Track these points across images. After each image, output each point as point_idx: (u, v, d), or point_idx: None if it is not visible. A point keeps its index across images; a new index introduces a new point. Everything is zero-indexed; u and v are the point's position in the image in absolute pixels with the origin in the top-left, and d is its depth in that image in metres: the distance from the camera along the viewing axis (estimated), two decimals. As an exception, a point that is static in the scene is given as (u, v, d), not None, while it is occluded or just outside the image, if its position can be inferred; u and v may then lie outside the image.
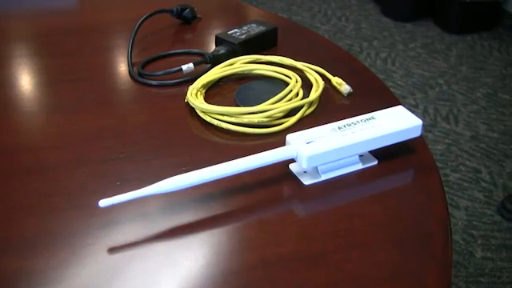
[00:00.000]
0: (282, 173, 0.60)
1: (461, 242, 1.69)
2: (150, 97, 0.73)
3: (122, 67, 0.80)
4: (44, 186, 0.57)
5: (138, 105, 0.71)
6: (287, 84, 0.74)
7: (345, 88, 0.73)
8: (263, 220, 0.54)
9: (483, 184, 1.92)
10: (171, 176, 0.54)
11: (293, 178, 0.59)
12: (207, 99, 0.72)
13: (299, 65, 0.77)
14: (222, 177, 0.55)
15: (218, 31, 0.90)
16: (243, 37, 0.81)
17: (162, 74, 0.76)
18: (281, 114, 0.67)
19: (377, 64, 2.66)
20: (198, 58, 0.82)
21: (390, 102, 0.72)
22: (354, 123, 0.60)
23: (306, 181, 0.59)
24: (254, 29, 0.84)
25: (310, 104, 0.70)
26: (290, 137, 0.59)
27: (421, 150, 0.63)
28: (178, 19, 0.94)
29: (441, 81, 2.54)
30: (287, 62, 0.77)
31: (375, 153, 0.62)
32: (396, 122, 0.61)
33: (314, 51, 0.86)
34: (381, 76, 2.56)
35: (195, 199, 0.56)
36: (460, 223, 1.75)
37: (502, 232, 1.73)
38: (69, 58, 0.83)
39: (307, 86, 0.74)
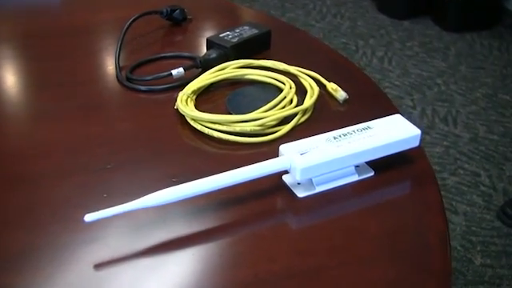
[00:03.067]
0: (275, 184, 0.60)
1: (459, 248, 1.69)
2: (138, 103, 0.73)
3: (110, 71, 0.80)
4: (28, 198, 0.57)
5: (126, 111, 0.71)
6: (281, 90, 0.73)
7: (340, 94, 0.73)
8: (256, 234, 0.53)
9: (482, 188, 1.93)
10: (160, 188, 0.54)
11: (286, 189, 0.59)
12: (198, 106, 0.72)
13: (293, 70, 0.76)
14: (212, 190, 0.55)
15: (209, 33, 0.90)
16: (235, 40, 0.81)
17: (151, 79, 0.76)
18: (274, 122, 0.67)
19: (373, 63, 2.67)
20: (189, 62, 0.82)
21: (387, 108, 0.72)
22: (350, 133, 0.60)
23: (300, 193, 0.58)
24: (247, 31, 0.83)
25: (304, 111, 0.70)
26: (283, 147, 0.58)
27: (419, 160, 0.63)
28: (167, 20, 0.94)
29: (439, 81, 2.55)
30: (280, 66, 0.77)
31: (372, 163, 0.62)
32: (393, 132, 0.61)
33: (309, 54, 0.86)
34: (377, 76, 2.56)
35: (185, 212, 0.56)
36: (458, 229, 1.75)
37: (502, 238, 1.73)
38: (54, 62, 0.83)
39: (301, 91, 0.74)
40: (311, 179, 0.59)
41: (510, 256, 1.68)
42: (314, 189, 0.59)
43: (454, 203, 1.86)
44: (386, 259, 0.51)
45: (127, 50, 0.86)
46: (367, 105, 0.73)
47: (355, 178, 0.61)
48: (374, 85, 0.78)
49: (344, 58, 0.85)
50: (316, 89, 0.73)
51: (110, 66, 0.82)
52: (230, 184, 0.55)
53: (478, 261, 1.65)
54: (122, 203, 0.55)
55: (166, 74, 0.76)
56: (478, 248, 1.69)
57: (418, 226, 0.55)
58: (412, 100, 2.40)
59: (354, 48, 2.82)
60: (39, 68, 0.82)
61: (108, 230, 0.53)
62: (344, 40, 2.89)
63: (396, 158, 0.62)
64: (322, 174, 0.59)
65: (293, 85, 0.72)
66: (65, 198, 0.57)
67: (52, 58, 0.84)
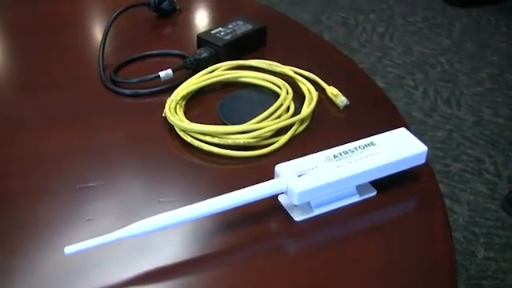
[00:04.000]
0: (270, 205, 0.58)
1: (462, 240, 1.68)
2: (123, 109, 0.70)
3: (93, 72, 0.77)
4: (4, 220, 0.55)
5: (111, 119, 0.69)
6: (276, 94, 0.71)
7: (341, 100, 0.71)
8: (249, 264, 0.52)
9: (487, 176, 1.92)
10: (146, 210, 0.53)
11: (282, 211, 0.57)
12: (188, 112, 0.69)
13: (290, 72, 0.74)
14: (201, 217, 0.53)
15: (200, 26, 0.87)
16: (228, 37, 0.79)
17: (137, 82, 0.73)
18: (269, 134, 0.65)
19: (373, 40, 2.64)
20: (178, 60, 0.79)
21: (391, 117, 0.70)
22: (352, 150, 0.58)
23: (297, 216, 0.57)
24: (241, 27, 0.81)
25: (302, 121, 0.68)
26: (279, 168, 0.56)
27: (425, 178, 0.62)
28: (155, 12, 0.91)
29: (442, 59, 2.52)
30: (277, 68, 0.75)
31: (374, 181, 0.60)
32: (398, 149, 0.59)
33: (308, 52, 0.83)
34: (377, 53, 2.53)
35: (171, 239, 0.54)
36: (461, 219, 1.75)
37: (507, 230, 1.73)
38: (30, 60, 0.80)
39: (299, 96, 0.72)
40: (309, 201, 0.57)
41: (515, 249, 1.67)
42: (312, 211, 0.57)
43: (456, 192, 1.85)
44: (390, 296, 0.49)
45: (112, 46, 0.84)
46: (370, 112, 0.71)
47: (356, 198, 0.59)
48: (377, 89, 0.75)
49: (346, 57, 0.83)
50: (315, 95, 0.70)
51: (93, 65, 0.79)
52: (221, 210, 0.53)
53: (482, 254, 1.65)
54: (106, 228, 0.54)
55: (153, 76, 0.73)
56: (482, 240, 1.69)
57: (424, 257, 0.53)
58: (414, 80, 2.38)
59: (353, 23, 2.78)
60: (15, 67, 0.79)
61: (91, 259, 0.51)
62: (343, 14, 2.86)
63: (400, 176, 0.60)
64: (321, 196, 0.57)
65: (290, 89, 0.70)
66: (44, 221, 0.55)
67: (30, 56, 0.81)
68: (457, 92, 2.31)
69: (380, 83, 2.33)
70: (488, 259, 1.63)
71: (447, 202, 1.79)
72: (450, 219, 1.69)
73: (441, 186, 1.85)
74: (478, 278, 1.57)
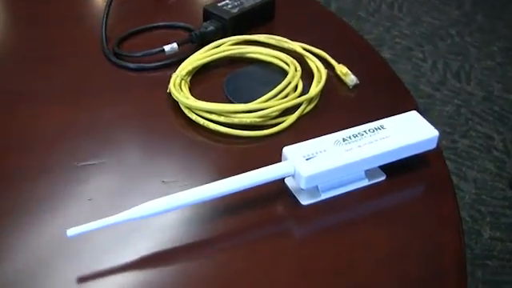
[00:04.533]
0: (276, 188, 0.58)
1: (467, 219, 1.69)
2: (127, 83, 0.70)
3: (95, 44, 0.77)
4: (3, 199, 0.55)
5: (114, 93, 0.69)
6: (284, 71, 0.71)
7: (350, 79, 0.71)
8: (254, 250, 0.52)
9: (495, 153, 1.91)
10: (149, 191, 0.54)
11: (289, 195, 0.57)
12: (193, 88, 0.69)
13: (299, 48, 0.74)
14: (206, 200, 0.53)
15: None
16: (235, 10, 0.78)
17: (142, 56, 0.73)
18: (276, 113, 0.65)
19: (381, 9, 2.62)
20: (183, 33, 0.79)
21: (402, 97, 0.70)
22: (361, 133, 0.58)
23: (304, 200, 0.57)
24: (249, 0, 0.80)
25: (310, 100, 0.67)
26: (287, 150, 0.56)
27: (435, 163, 0.61)
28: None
29: (452, 31, 2.51)
30: (285, 44, 0.75)
31: (383, 166, 0.59)
32: (409, 133, 0.59)
33: (317, 27, 0.83)
34: (386, 23, 2.52)
35: (174, 222, 0.54)
36: (467, 197, 1.75)
37: (514, 209, 1.73)
38: (31, 30, 0.80)
39: (307, 73, 0.71)
40: (317, 185, 0.57)
41: (522, 229, 1.68)
42: (320, 196, 0.57)
43: (463, 169, 1.85)
44: (396, 284, 0.50)
45: (114, 16, 0.83)
46: (380, 92, 0.71)
47: (365, 182, 0.59)
48: (387, 67, 0.75)
49: (357, 33, 0.82)
50: (324, 73, 0.70)
51: (95, 36, 0.79)
52: (228, 193, 0.53)
53: (487, 233, 1.65)
54: (107, 209, 0.54)
55: (157, 50, 0.73)
56: (488, 219, 1.69)
57: (432, 244, 0.53)
58: (422, 52, 2.37)
59: (361, -8, 2.76)
60: (15, 38, 0.78)
61: (93, 240, 0.52)
62: (351, -18, 2.84)
63: (410, 160, 0.60)
64: (329, 180, 0.57)
65: (298, 67, 0.70)
66: (44, 200, 0.55)
67: (30, 26, 0.81)
68: (467, 66, 2.30)
69: (387, 54, 2.32)
70: (494, 239, 1.63)
71: (454, 178, 1.79)
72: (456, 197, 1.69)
73: (448, 162, 1.85)
74: (484, 258, 1.57)
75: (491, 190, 1.78)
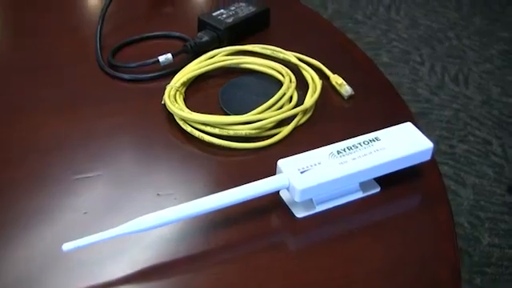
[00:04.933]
0: (270, 201, 0.59)
1: (466, 225, 1.70)
2: (122, 94, 0.71)
3: (90, 54, 0.78)
4: (-1, 213, 0.56)
5: (109, 105, 0.70)
6: (279, 81, 0.72)
7: (345, 90, 0.72)
8: (249, 263, 0.53)
9: (494, 158, 1.93)
10: (144, 204, 0.55)
11: (283, 207, 0.59)
12: (188, 98, 0.70)
13: (294, 59, 0.75)
14: (201, 214, 0.54)
15: (199, 6, 0.88)
16: (230, 20, 0.79)
17: (136, 67, 0.74)
18: (271, 125, 0.66)
19: (379, 12, 2.64)
20: (178, 43, 0.80)
21: (397, 108, 0.71)
22: (356, 146, 0.60)
23: (299, 213, 0.58)
24: (243, 9, 0.82)
25: (305, 111, 0.69)
26: (281, 163, 0.58)
27: (430, 174, 0.63)
28: (154, -10, 0.92)
29: (451, 34, 2.52)
30: (280, 55, 0.76)
31: (378, 177, 0.61)
32: (403, 145, 0.60)
33: (312, 36, 0.84)
34: (383, 27, 2.53)
35: (169, 235, 0.55)
36: (466, 203, 1.76)
37: (513, 215, 1.74)
38: (24, 41, 0.81)
39: (302, 83, 0.73)
40: (311, 198, 0.58)
41: (520, 235, 1.69)
42: (315, 208, 0.58)
43: (462, 174, 1.86)
44: (391, 298, 0.51)
45: (109, 26, 0.84)
46: (375, 103, 0.72)
47: (359, 195, 0.60)
48: (382, 77, 0.76)
49: (352, 42, 0.83)
50: (318, 84, 0.71)
51: (90, 46, 0.80)
52: (223, 206, 0.55)
53: (486, 240, 1.67)
54: (103, 222, 0.55)
55: (152, 61, 0.74)
56: (486, 225, 1.71)
57: (428, 256, 0.54)
58: (420, 55, 2.39)
59: (358, -6, 2.78)
60: (8, 47, 0.80)
61: (89, 254, 0.53)
62: (348, -15, 2.85)
63: (404, 171, 0.61)
64: (324, 193, 0.58)
65: (293, 78, 0.71)
66: (39, 212, 0.57)
67: (24, 36, 0.82)
68: (465, 69, 2.32)
69: (384, 58, 2.33)
70: (492, 246, 1.65)
71: (452, 184, 1.80)
72: (454, 203, 1.70)
73: (446, 167, 1.87)
74: (482, 265, 1.59)
75: (490, 195, 1.80)
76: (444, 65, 2.33)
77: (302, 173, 0.57)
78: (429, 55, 2.38)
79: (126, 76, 0.74)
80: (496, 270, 1.58)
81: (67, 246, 0.51)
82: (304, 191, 0.56)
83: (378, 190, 0.61)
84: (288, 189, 0.57)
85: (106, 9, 0.83)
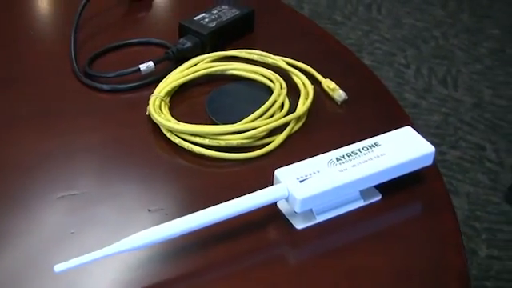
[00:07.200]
0: (268, 213, 0.61)
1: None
2: (101, 106, 0.73)
3: (65, 64, 0.80)
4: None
5: (88, 118, 0.71)
6: (268, 87, 0.74)
7: (339, 95, 0.75)
8: (249, 279, 0.55)
9: (488, 164, 1.96)
10: (135, 220, 0.57)
11: (282, 219, 0.61)
12: (173, 109, 0.72)
13: (283, 64, 0.78)
14: (197, 228, 0.56)
15: (178, 9, 0.90)
16: (213, 25, 0.82)
17: (116, 76, 0.76)
18: (264, 134, 0.68)
19: (359, 12, 2.67)
20: (158, 49, 0.82)
21: (393, 112, 0.74)
22: (355, 152, 0.62)
23: (299, 224, 0.60)
24: (226, 13, 0.84)
25: (298, 118, 0.71)
26: (279, 173, 0.60)
27: (432, 180, 0.65)
28: (128, -7, 0.94)
29: (437, 33, 2.56)
30: (269, 60, 0.78)
31: (378, 184, 0.63)
32: (404, 150, 0.63)
33: (299, 39, 0.87)
34: (364, 27, 2.57)
35: (163, 251, 0.57)
36: (460, 213, 1.79)
37: (511, 224, 1.76)
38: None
39: (292, 89, 0.75)
40: (311, 208, 0.60)
41: (520, 246, 1.71)
42: (315, 219, 0.61)
43: (454, 182, 1.89)
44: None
45: (83, 34, 0.86)
46: (370, 107, 0.75)
47: (360, 203, 0.63)
48: (376, 79, 0.79)
49: (340, 43, 0.86)
50: (310, 89, 0.74)
51: (65, 56, 0.81)
52: (220, 220, 0.57)
53: (484, 252, 1.69)
54: (92, 241, 0.57)
55: (133, 69, 0.76)
56: (484, 236, 1.73)
57: (434, 264, 0.57)
58: (405, 57, 2.42)
59: (336, -7, 2.81)
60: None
61: (80, 275, 0.54)
62: (325, -17, 2.89)
63: (406, 178, 0.64)
64: (324, 202, 0.60)
65: (283, 84, 0.74)
66: (25, 235, 0.58)
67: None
68: (453, 70, 2.35)
69: (367, 61, 2.37)
70: (491, 258, 1.67)
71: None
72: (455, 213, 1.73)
73: (438, 176, 1.89)
74: (481, 279, 1.61)
75: (485, 204, 1.82)
76: (431, 66, 2.37)
77: (301, 182, 0.59)
78: (414, 56, 2.42)
79: (105, 86, 0.76)
80: (496, 284, 1.60)
81: (59, 267, 0.52)
82: (304, 201, 0.58)
83: (379, 197, 0.63)
84: (287, 199, 0.59)
85: (80, 15, 0.85)
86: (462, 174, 1.91)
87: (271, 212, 0.61)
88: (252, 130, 0.68)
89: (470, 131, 2.07)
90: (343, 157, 0.62)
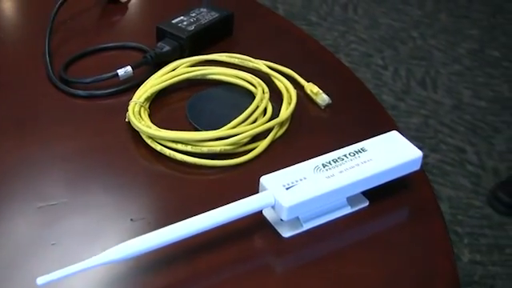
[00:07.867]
0: (253, 221, 0.62)
1: (444, 242, 1.74)
2: (79, 113, 0.73)
3: (39, 69, 0.80)
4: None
5: (65, 126, 0.71)
6: (250, 92, 0.75)
7: (322, 99, 0.75)
8: (233, 287, 0.55)
9: (469, 167, 1.97)
10: (117, 230, 0.57)
11: (267, 227, 0.61)
12: (153, 115, 0.73)
13: (264, 67, 0.78)
14: (182, 238, 0.56)
15: (155, 12, 0.90)
16: (192, 28, 0.82)
17: (92, 82, 0.76)
18: (247, 140, 0.69)
19: (334, 12, 2.68)
20: (136, 53, 0.83)
21: (379, 116, 0.75)
22: (341, 158, 0.63)
23: (285, 232, 0.61)
24: (205, 16, 0.84)
25: (281, 124, 0.72)
26: (264, 179, 0.60)
27: (419, 185, 0.66)
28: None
29: (414, 33, 2.58)
30: (250, 64, 0.79)
31: (365, 191, 0.64)
32: (391, 155, 0.63)
33: (279, 42, 0.87)
34: (340, 28, 2.58)
35: (146, 262, 0.57)
36: (442, 218, 1.80)
37: (494, 228, 1.78)
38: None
39: (275, 93, 0.76)
40: (298, 216, 0.61)
41: (504, 250, 1.73)
42: (302, 226, 0.61)
43: (435, 186, 1.90)
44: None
45: (57, 38, 0.86)
46: (355, 111, 0.75)
47: (348, 210, 0.63)
48: (360, 84, 0.80)
49: (321, 45, 0.87)
50: (293, 93, 0.75)
51: (38, 60, 0.81)
52: (205, 229, 0.57)
53: (466, 257, 1.70)
54: (74, 252, 0.57)
55: (110, 74, 0.76)
56: (466, 241, 1.74)
57: (423, 270, 0.58)
58: (382, 58, 2.43)
59: (311, -7, 2.82)
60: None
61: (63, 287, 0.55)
62: (299, -18, 2.90)
63: (393, 183, 0.65)
64: (311, 210, 0.61)
65: (266, 88, 0.74)
66: (3, 247, 0.58)
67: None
68: (432, 71, 2.37)
69: (344, 63, 2.37)
70: (474, 263, 1.69)
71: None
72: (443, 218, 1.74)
73: (418, 180, 1.90)
74: (464, 285, 1.62)
75: (467, 208, 1.84)
76: (409, 67, 2.38)
77: (287, 189, 0.60)
78: (392, 57, 2.43)
79: (81, 92, 0.76)
80: (479, 290, 1.62)
81: (42, 280, 0.52)
82: (291, 208, 0.59)
83: (366, 204, 0.64)
84: (273, 207, 0.60)
85: (54, 18, 0.85)
86: (442, 178, 1.93)
87: (257, 220, 0.62)
88: (235, 135, 0.68)
89: (450, 133, 2.09)
90: (329, 163, 0.62)
